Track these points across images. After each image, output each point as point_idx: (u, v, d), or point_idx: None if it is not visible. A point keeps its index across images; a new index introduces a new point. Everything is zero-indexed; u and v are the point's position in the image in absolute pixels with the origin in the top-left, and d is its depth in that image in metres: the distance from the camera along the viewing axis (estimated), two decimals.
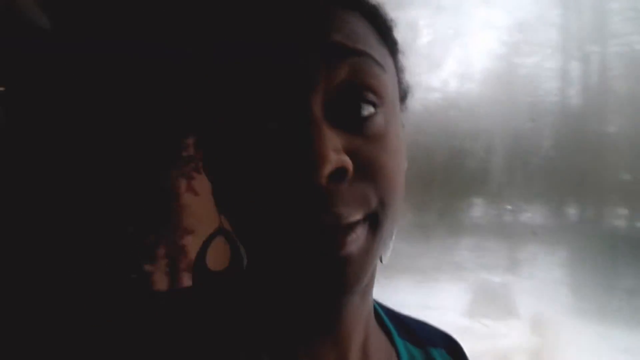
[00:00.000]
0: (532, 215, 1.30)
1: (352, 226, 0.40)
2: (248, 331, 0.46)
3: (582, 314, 1.37)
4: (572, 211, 1.34)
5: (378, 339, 0.53)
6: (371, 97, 0.42)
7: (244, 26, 0.43)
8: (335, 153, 0.39)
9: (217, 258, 0.51)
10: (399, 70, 0.49)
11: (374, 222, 0.42)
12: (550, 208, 1.32)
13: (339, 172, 0.39)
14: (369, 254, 0.42)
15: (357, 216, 0.40)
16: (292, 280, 0.42)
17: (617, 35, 1.27)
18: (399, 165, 0.44)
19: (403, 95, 0.50)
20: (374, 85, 0.42)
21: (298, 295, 0.44)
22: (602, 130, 1.26)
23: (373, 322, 0.53)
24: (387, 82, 0.44)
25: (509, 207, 1.26)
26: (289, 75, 0.41)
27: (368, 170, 0.41)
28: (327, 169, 0.38)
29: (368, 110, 0.42)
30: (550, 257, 1.34)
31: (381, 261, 0.49)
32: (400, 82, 0.49)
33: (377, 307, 0.56)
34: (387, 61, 0.46)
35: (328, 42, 0.41)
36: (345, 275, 0.40)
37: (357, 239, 0.40)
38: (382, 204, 0.42)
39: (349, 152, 0.40)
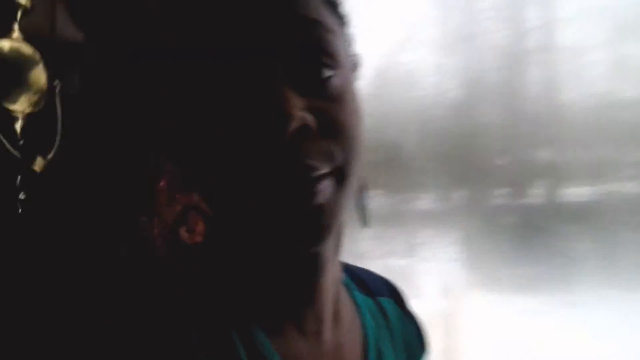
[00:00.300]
0: (425, 202, 1.40)
1: (320, 178, 0.43)
2: (230, 303, 0.48)
3: (478, 285, 1.50)
4: (458, 195, 1.45)
5: (344, 294, 0.57)
6: (328, 60, 0.45)
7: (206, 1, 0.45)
8: (300, 111, 0.42)
9: None
10: (347, 40, 0.52)
11: (340, 176, 0.45)
12: (439, 194, 1.42)
13: (304, 129, 0.42)
14: (336, 204, 0.45)
15: (325, 169, 0.43)
16: (270, 233, 0.44)
17: (487, 32, 1.40)
18: (358, 124, 0.48)
19: (354, 65, 0.54)
20: (329, 50, 0.46)
21: (277, 250, 0.46)
22: (479, 119, 1.38)
23: (341, 279, 0.56)
24: (340, 48, 0.48)
25: (403, 196, 1.34)
26: (253, 46, 0.43)
27: (330, 128, 0.44)
28: (294, 125, 0.41)
29: (326, 73, 0.45)
30: (443, 238, 1.44)
31: (365, 225, 0.53)
32: (349, 52, 0.52)
33: None
34: (338, 30, 0.49)
35: (288, 13, 0.44)
36: (319, 222, 0.43)
37: (325, 189, 0.43)
38: (346, 159, 0.45)
39: (311, 112, 0.43)
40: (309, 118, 0.42)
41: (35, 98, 0.75)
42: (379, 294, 0.62)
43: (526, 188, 1.42)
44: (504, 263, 1.44)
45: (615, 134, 1.36)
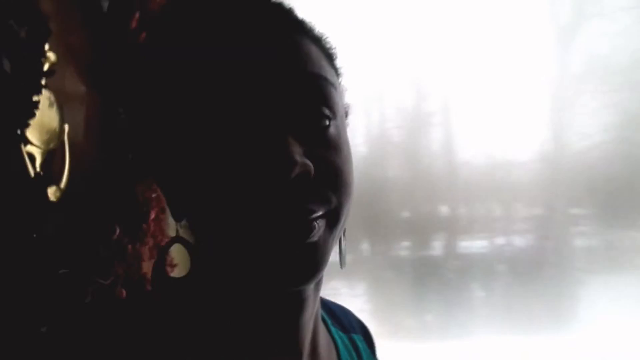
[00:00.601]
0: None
1: (315, 220, 0.45)
2: (207, 339, 0.48)
3: (384, 334, 1.55)
4: (365, 247, 1.51)
5: (322, 328, 0.58)
6: (327, 111, 0.48)
7: (219, 50, 0.47)
8: (301, 157, 0.44)
9: None
10: (342, 91, 0.55)
11: (332, 219, 0.47)
12: (347, 246, 1.47)
13: (304, 174, 0.44)
14: (327, 245, 0.47)
15: (320, 212, 0.45)
16: (263, 269, 0.45)
17: (392, 94, 1.50)
18: (351, 169, 0.50)
19: (346, 112, 0.56)
20: (329, 101, 0.48)
21: (267, 285, 0.47)
22: (384, 175, 1.46)
23: (320, 314, 0.57)
24: (337, 99, 0.50)
25: None
26: (261, 95, 0.45)
27: (327, 173, 0.46)
28: (296, 170, 0.43)
29: (324, 122, 0.48)
30: (351, 289, 1.49)
31: (342, 266, 0.55)
32: (343, 101, 0.55)
33: None
34: (336, 81, 0.52)
35: (294, 68, 0.47)
36: (313, 260, 0.45)
37: (319, 230, 0.45)
38: (339, 203, 0.47)
39: (310, 158, 0.45)
40: (309, 164, 0.45)
41: (48, 137, 0.90)
42: (352, 331, 0.65)
43: (427, 240, 1.50)
44: (409, 312, 1.51)
45: (506, 191, 1.48)
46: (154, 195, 1.06)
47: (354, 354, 0.63)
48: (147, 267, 1.04)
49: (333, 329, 0.62)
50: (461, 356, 1.51)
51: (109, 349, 0.44)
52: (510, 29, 1.43)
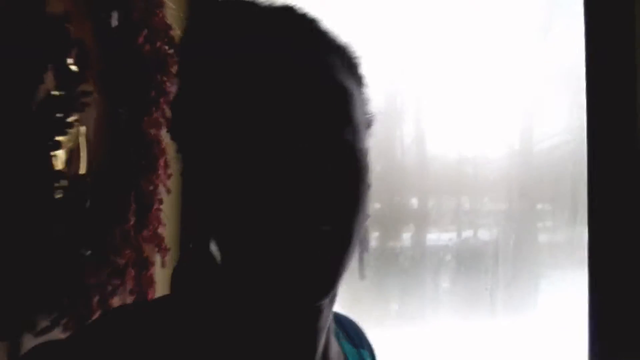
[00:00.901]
0: None
1: (328, 234, 0.46)
2: (224, 344, 0.49)
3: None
4: None
5: (334, 342, 0.59)
6: (341, 120, 0.48)
7: (248, 67, 0.47)
8: (314, 169, 0.44)
9: None
10: (364, 100, 0.55)
11: (346, 231, 0.48)
12: None
13: (316, 187, 0.45)
14: (340, 260, 0.47)
15: (329, 227, 0.46)
16: (276, 286, 0.46)
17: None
18: (365, 181, 0.51)
19: (368, 122, 0.57)
20: (343, 110, 0.48)
21: (280, 302, 0.47)
22: None
23: (332, 325, 0.58)
24: (354, 108, 0.50)
25: None
26: (274, 105, 0.46)
27: (340, 185, 0.47)
28: (307, 182, 0.44)
29: (338, 132, 0.48)
30: None
31: (362, 278, 0.57)
32: (365, 111, 0.56)
33: None
34: (354, 90, 0.52)
35: (311, 78, 0.47)
36: (324, 279, 0.46)
37: (333, 244, 0.46)
38: (352, 214, 0.48)
39: (324, 169, 0.45)
40: (322, 176, 0.45)
41: (68, 138, 1.02)
42: (360, 346, 0.66)
43: (397, 232, 1.54)
44: (375, 301, 1.55)
45: (475, 186, 1.52)
46: (151, 188, 1.20)
47: None
48: (148, 250, 1.20)
49: (343, 343, 0.63)
50: (426, 341, 1.56)
51: (130, 352, 0.45)
52: (481, 28, 1.46)
